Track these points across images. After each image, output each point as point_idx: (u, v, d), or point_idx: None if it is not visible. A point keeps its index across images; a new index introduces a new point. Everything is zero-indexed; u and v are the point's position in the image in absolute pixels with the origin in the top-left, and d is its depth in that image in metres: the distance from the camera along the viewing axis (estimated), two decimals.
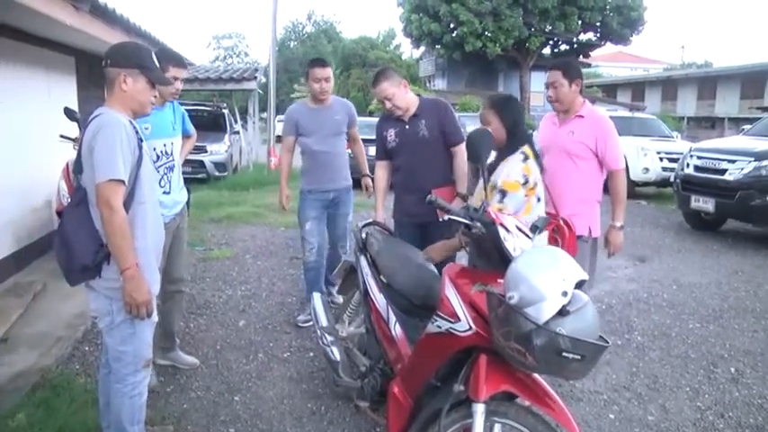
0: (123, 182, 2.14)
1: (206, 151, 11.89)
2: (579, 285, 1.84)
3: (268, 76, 15.10)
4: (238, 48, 48.90)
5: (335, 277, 3.82)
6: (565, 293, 1.78)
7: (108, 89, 2.32)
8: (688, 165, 8.01)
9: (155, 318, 2.38)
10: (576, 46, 29.37)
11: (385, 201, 3.90)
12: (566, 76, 3.34)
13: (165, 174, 3.24)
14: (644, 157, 10.98)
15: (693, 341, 4.28)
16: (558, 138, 3.43)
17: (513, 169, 2.65)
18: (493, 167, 2.70)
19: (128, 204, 2.21)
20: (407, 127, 3.59)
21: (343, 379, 2.94)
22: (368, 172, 4.38)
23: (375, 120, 19.61)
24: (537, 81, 28.29)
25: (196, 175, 11.59)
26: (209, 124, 12.96)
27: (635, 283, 5.70)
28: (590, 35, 28.70)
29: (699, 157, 7.84)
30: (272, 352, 3.85)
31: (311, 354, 3.80)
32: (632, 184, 10.76)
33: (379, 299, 2.75)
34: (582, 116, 3.39)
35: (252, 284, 5.27)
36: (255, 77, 14.00)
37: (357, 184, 4.42)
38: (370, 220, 3.35)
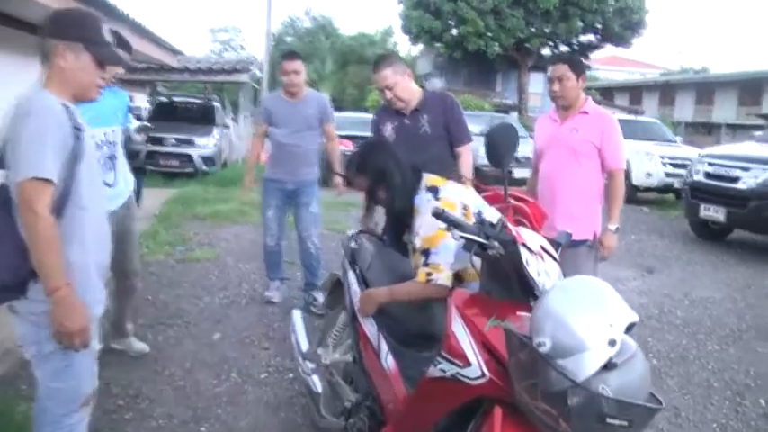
0: (51, 181, 1.71)
1: (194, 145, 11.46)
2: (629, 329, 1.43)
3: (263, 70, 14.69)
4: (235, 41, 48.22)
5: (322, 290, 3.37)
6: (612, 342, 1.37)
7: (44, 66, 1.88)
8: (698, 171, 7.62)
9: (95, 346, 1.96)
10: (576, 48, 29.05)
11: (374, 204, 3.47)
12: (573, 70, 3.17)
13: (106, 164, 3.05)
14: (648, 162, 10.63)
15: (714, 367, 3.89)
16: (561, 135, 3.22)
17: (427, 218, 2.09)
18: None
19: (63, 209, 1.78)
20: (407, 121, 3.20)
21: (326, 418, 2.51)
22: (339, 170, 4.28)
23: (368, 117, 19.29)
24: (536, 82, 28.05)
25: (184, 170, 11.23)
26: (198, 117, 12.62)
27: (645, 297, 5.31)
28: (590, 37, 28.36)
29: (710, 164, 7.46)
30: (248, 371, 3.42)
31: (291, 375, 3.37)
32: (634, 189, 10.43)
33: (369, 324, 2.33)
34: (586, 112, 3.23)
35: (231, 290, 4.83)
36: (249, 70, 13.53)
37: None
38: (360, 229, 2.92)
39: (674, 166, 10.50)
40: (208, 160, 11.58)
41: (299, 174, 4.28)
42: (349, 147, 12.06)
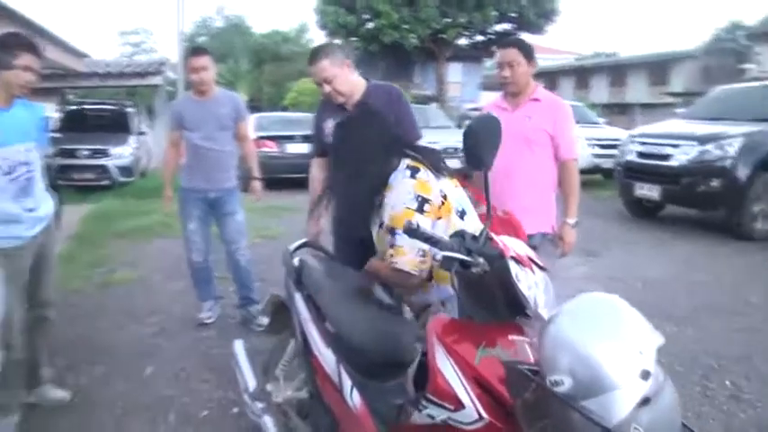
0: None
1: (109, 155, 10.71)
2: None
3: (177, 71, 13.93)
4: (146, 44, 46.23)
5: (262, 314, 2.99)
6: (646, 375, 1.12)
7: None
8: (630, 151, 7.67)
9: None
10: (492, 37, 29.45)
11: (321, 208, 3.14)
12: (523, 54, 3.01)
13: (25, 187, 2.65)
14: None
15: (677, 350, 3.78)
16: (513, 124, 2.98)
17: (396, 196, 1.95)
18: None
19: None
20: None
21: None
22: (257, 174, 4.21)
23: (291, 115, 18.75)
24: (454, 72, 28.36)
25: (99, 182, 10.49)
26: (112, 125, 11.85)
27: (595, 283, 5.20)
28: (506, 26, 28.80)
29: (641, 143, 7.52)
30: (187, 410, 3.02)
31: (236, 410, 3.00)
32: None
33: (327, 356, 2.01)
34: (537, 99, 3.08)
35: (161, 315, 4.37)
36: (162, 72, 12.80)
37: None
38: (302, 241, 2.58)
39: (601, 147, 10.65)
40: (125, 170, 10.87)
41: (217, 180, 3.98)
42: (273, 148, 11.61)
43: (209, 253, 4.15)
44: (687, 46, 35.44)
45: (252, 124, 4.84)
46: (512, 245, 1.52)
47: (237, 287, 4.23)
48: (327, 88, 2.80)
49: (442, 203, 1.97)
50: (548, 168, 3.10)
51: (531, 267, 1.52)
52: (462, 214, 2.04)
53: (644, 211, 8.00)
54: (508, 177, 2.99)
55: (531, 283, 1.49)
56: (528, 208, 2.90)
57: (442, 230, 1.91)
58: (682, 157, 6.92)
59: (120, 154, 10.89)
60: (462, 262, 1.45)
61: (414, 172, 1.98)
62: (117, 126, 11.76)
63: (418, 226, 1.51)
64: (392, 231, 1.93)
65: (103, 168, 10.58)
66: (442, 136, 11.36)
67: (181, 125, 3.99)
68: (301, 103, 30.69)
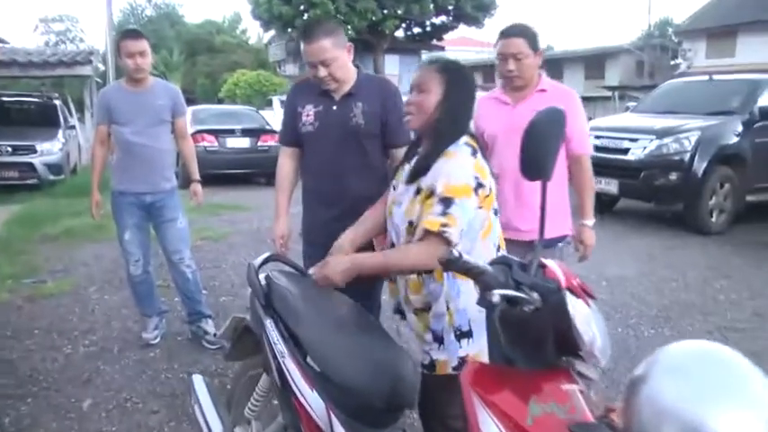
0: None
1: (35, 151, 9.95)
2: None
3: (106, 62, 13.08)
4: (72, 32, 43.88)
5: (222, 338, 2.57)
6: None
7: None
8: None
9: None
10: (429, 29, 29.43)
11: (290, 205, 2.78)
12: (530, 45, 2.68)
13: None
14: None
15: None
16: (517, 119, 2.63)
17: (459, 167, 1.79)
18: (419, 167, 1.86)
19: None
20: (335, 108, 2.52)
21: None
22: (198, 177, 3.85)
23: (230, 108, 18.05)
24: (391, 64, 28.22)
25: (25, 182, 9.72)
26: (38, 119, 11.06)
27: None
28: (443, 18, 28.81)
29: (597, 137, 7.44)
30: None
31: None
32: None
33: (312, 399, 1.67)
34: (544, 90, 2.75)
35: (99, 333, 3.89)
36: (90, 61, 11.96)
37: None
38: (268, 255, 2.19)
39: None
40: (54, 168, 10.10)
41: (153, 182, 3.58)
42: (212, 143, 11.03)
43: (149, 264, 3.72)
44: (620, 41, 36.34)
45: (188, 118, 4.37)
46: (560, 271, 1.23)
47: (183, 300, 3.82)
48: (323, 72, 2.42)
49: (489, 194, 1.83)
50: (560, 165, 2.83)
51: (584, 298, 1.24)
52: (496, 213, 1.90)
53: (599, 206, 7.93)
54: (519, 178, 2.76)
55: (587, 318, 1.21)
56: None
57: (480, 223, 1.81)
58: (639, 151, 6.88)
59: (49, 150, 10.13)
60: (510, 299, 1.15)
61: (473, 151, 1.84)
62: (44, 120, 10.96)
63: (460, 255, 1.20)
64: (448, 202, 1.73)
65: (30, 166, 9.82)
66: None
67: (110, 118, 3.54)
68: (237, 95, 29.90)
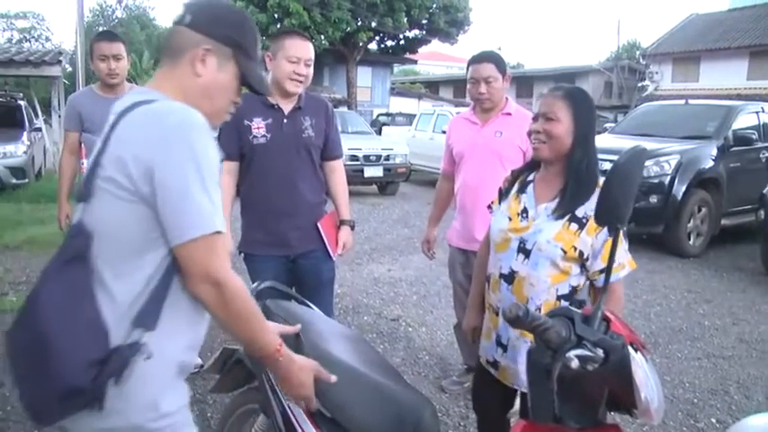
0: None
1: None
2: None
3: (75, 63, 12.72)
4: (37, 30, 42.70)
5: (209, 371, 2.36)
6: None
7: (166, 60, 1.42)
8: None
9: None
10: (402, 42, 29.59)
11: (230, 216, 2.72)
12: (499, 69, 2.98)
13: None
14: None
15: None
16: (483, 139, 3.04)
17: None
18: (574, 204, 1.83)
19: None
20: (286, 121, 2.63)
21: None
22: None
23: None
24: (363, 76, 28.24)
25: None
26: (1, 120, 10.59)
27: None
28: (416, 32, 28.99)
29: None
30: None
31: None
32: None
33: None
34: (509, 113, 3.06)
35: None
36: (59, 62, 11.59)
37: None
38: (266, 283, 2.02)
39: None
40: (17, 171, 9.71)
41: None
42: None
43: None
44: (590, 61, 37.09)
45: None
46: (623, 323, 1.12)
47: None
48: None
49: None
50: None
51: (643, 351, 1.14)
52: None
53: None
54: (478, 193, 2.94)
55: (647, 374, 1.11)
56: None
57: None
58: None
59: (12, 152, 9.73)
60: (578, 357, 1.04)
61: None
62: (7, 121, 10.55)
63: (527, 311, 1.08)
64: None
65: None
66: (363, 142, 11.01)
67: (80, 125, 3.38)
68: None
